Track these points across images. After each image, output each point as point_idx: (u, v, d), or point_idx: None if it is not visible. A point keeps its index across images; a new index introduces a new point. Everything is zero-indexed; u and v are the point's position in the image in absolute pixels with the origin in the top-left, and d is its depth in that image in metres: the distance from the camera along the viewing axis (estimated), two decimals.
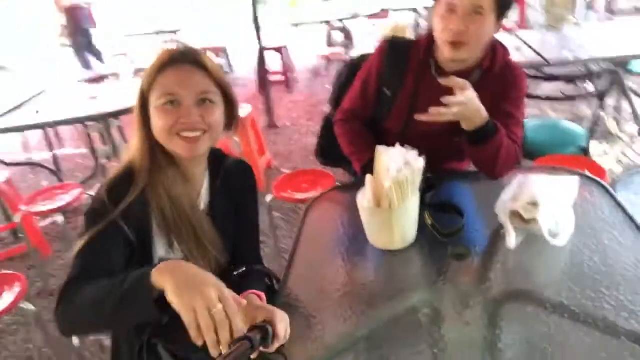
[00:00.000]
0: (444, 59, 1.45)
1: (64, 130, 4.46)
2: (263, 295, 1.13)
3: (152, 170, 1.09)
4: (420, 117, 1.29)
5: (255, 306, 1.02)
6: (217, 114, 1.09)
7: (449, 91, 1.35)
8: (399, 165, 1.22)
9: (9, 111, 2.93)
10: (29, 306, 1.81)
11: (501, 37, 1.62)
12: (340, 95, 1.76)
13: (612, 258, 1.15)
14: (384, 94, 1.57)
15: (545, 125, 2.61)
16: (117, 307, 0.85)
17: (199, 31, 7.42)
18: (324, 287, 1.20)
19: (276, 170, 3.67)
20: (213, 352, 0.76)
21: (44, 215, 2.72)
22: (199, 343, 0.76)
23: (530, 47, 2.63)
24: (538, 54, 2.46)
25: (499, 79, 1.47)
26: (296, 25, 6.06)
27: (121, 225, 1.03)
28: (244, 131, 3.27)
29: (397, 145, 1.28)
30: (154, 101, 1.06)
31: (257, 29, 4.28)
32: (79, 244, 1.02)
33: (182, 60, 1.07)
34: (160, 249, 1.12)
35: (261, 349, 0.88)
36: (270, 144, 4.23)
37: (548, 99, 2.48)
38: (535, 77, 2.36)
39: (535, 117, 3.68)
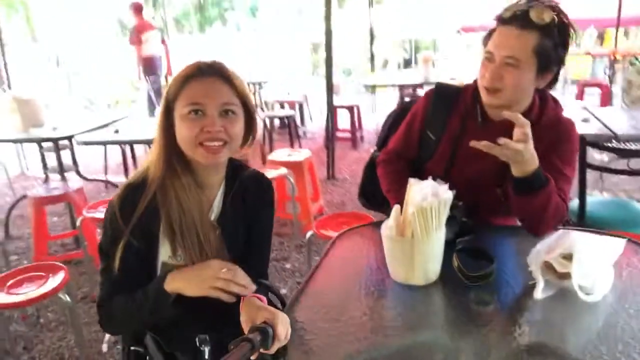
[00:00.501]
0: (486, 104, 1.45)
1: (139, 155, 4.81)
2: (264, 298, 1.12)
3: (166, 176, 1.13)
4: (475, 144, 1.25)
5: (256, 307, 1.01)
6: (238, 126, 1.13)
7: (492, 139, 1.30)
8: (425, 194, 1.20)
9: (94, 129, 3.24)
10: (66, 297, 1.90)
11: (572, 109, 1.59)
12: (386, 138, 1.78)
13: None
14: (428, 137, 1.57)
15: (610, 202, 2.46)
16: (147, 317, 1.12)
17: (282, 84, 7.88)
18: (331, 313, 1.15)
19: None
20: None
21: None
22: (232, 300, 1.08)
23: (598, 119, 2.54)
24: (605, 125, 2.36)
25: (548, 132, 1.42)
26: (370, 87, 6.26)
27: (130, 239, 1.10)
28: (300, 173, 3.36)
29: (430, 179, 1.27)
30: (179, 109, 1.09)
31: (329, 88, 4.49)
32: (101, 258, 1.15)
33: (208, 72, 1.11)
34: (164, 254, 1.16)
35: (261, 350, 0.88)
36: (326, 193, 4.29)
37: (614, 171, 2.35)
38: (604, 149, 2.25)
39: (595, 190, 3.48)
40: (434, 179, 1.26)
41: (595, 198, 2.47)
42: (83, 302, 2.77)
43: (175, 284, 1.08)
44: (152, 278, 1.14)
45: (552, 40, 1.31)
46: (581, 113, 2.80)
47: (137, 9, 6.30)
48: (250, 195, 1.26)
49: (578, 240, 1.18)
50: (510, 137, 1.29)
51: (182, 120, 1.10)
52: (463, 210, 1.39)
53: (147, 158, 1.18)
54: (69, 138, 3.17)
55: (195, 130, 1.08)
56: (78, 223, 2.69)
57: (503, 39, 1.33)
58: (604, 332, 1.03)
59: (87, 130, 3.14)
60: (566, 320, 1.09)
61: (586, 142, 2.04)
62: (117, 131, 3.12)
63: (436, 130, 1.55)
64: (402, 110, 1.80)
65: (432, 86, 1.66)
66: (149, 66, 6.41)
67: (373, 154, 1.86)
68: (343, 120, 6.05)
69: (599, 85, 6.14)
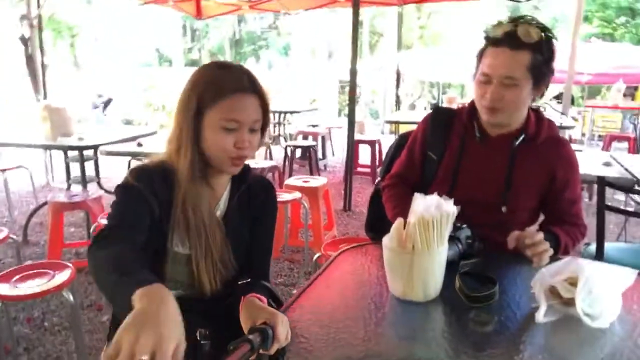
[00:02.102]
0: (485, 122, 1.50)
1: None
2: (264, 298, 1.11)
3: (186, 171, 1.14)
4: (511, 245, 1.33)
5: (256, 308, 1.01)
6: (258, 139, 1.18)
7: (492, 153, 1.48)
8: (428, 206, 1.19)
9: (119, 141, 3.33)
10: (69, 297, 1.91)
11: (595, 155, 1.67)
12: (389, 168, 1.80)
13: None
14: (430, 157, 1.60)
15: (629, 248, 2.37)
16: (108, 292, 0.93)
17: (307, 118, 8.02)
18: (326, 319, 1.13)
19: None
20: None
21: None
22: None
23: (620, 164, 2.49)
24: (627, 169, 2.31)
25: (547, 151, 1.49)
26: (393, 124, 6.31)
27: (147, 197, 1.11)
28: (315, 200, 3.36)
29: (435, 194, 1.26)
30: (215, 117, 1.10)
31: (351, 123, 4.59)
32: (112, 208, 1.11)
33: (250, 88, 1.12)
34: (176, 242, 1.17)
35: (260, 351, 0.87)
36: (342, 225, 4.27)
37: (632, 214, 2.28)
38: (623, 190, 2.20)
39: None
40: (440, 195, 1.26)
41: (614, 244, 2.39)
42: (89, 309, 2.77)
43: (137, 304, 0.78)
44: (161, 262, 1.16)
45: (542, 55, 1.38)
46: (603, 156, 2.76)
47: None
48: (255, 198, 1.28)
49: (585, 266, 1.14)
50: (507, 151, 1.47)
51: (216, 130, 1.11)
52: (467, 232, 1.38)
53: (166, 149, 1.20)
54: (94, 147, 3.26)
55: (229, 144, 1.11)
56: (92, 229, 2.73)
57: (498, 61, 1.38)
58: (611, 356, 0.98)
59: (112, 142, 3.23)
60: (568, 346, 1.05)
61: (605, 182, 2.00)
62: (140, 144, 3.20)
63: (437, 151, 1.59)
64: (401, 139, 1.84)
65: None
66: None
67: (377, 184, 1.88)
68: (364, 157, 6.08)
69: (627, 139, 6.05)
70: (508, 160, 1.48)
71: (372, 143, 5.64)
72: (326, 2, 7.72)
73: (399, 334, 1.11)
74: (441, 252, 1.21)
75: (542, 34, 1.37)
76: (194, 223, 1.15)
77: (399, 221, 1.25)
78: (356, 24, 4.32)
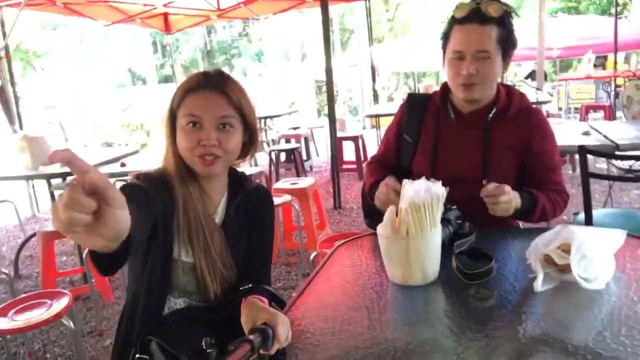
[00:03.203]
0: (459, 100, 1.54)
1: None
2: (265, 299, 1.12)
3: (177, 178, 1.18)
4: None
5: (257, 308, 1.02)
6: (234, 140, 1.17)
7: (467, 130, 1.54)
8: (418, 191, 1.21)
9: (102, 163, 3.30)
10: (70, 323, 1.89)
11: (573, 126, 1.72)
12: None
13: None
14: (405, 140, 1.65)
15: (617, 213, 2.42)
16: None
17: (287, 122, 8.01)
18: (329, 312, 1.14)
19: None
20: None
21: None
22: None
23: (598, 131, 2.54)
24: (606, 137, 2.36)
25: (521, 123, 1.53)
26: (374, 118, 6.34)
27: (153, 197, 1.11)
28: (305, 201, 3.36)
29: (423, 178, 1.28)
30: (180, 119, 1.15)
31: (332, 120, 4.61)
32: None
33: (208, 85, 1.15)
34: (180, 251, 1.18)
35: (261, 351, 0.87)
36: (334, 223, 4.28)
37: (616, 178, 2.32)
38: (604, 156, 2.24)
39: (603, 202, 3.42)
40: (427, 178, 1.27)
41: (602, 210, 2.43)
42: (89, 336, 2.74)
43: None
44: (167, 269, 1.16)
45: (506, 28, 1.44)
46: (581, 127, 2.81)
47: None
48: (252, 205, 1.30)
49: (577, 232, 1.17)
50: (481, 126, 1.52)
51: (181, 131, 1.15)
52: (457, 213, 1.41)
53: (163, 159, 1.23)
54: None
55: (192, 142, 1.13)
56: (85, 255, 2.70)
57: (469, 36, 1.43)
58: (607, 319, 1.00)
59: (95, 165, 3.19)
60: (568, 310, 1.07)
61: (587, 151, 2.04)
62: (123, 164, 3.17)
63: (412, 133, 1.64)
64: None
65: None
66: None
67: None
68: (348, 154, 6.10)
69: (602, 107, 6.16)
70: (483, 134, 1.52)
71: (355, 139, 5.67)
72: (294, 4, 7.74)
73: (402, 319, 1.12)
74: (435, 234, 1.22)
75: (504, 8, 1.43)
76: (194, 228, 1.17)
77: (391, 209, 1.26)
78: (326, 21, 4.34)
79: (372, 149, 6.60)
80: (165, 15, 7.52)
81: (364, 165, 6.02)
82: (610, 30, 6.62)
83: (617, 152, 2.23)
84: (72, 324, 1.90)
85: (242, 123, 1.19)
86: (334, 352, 0.98)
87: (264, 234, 1.33)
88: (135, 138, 10.05)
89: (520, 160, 1.54)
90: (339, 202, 4.70)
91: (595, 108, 6.34)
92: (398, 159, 1.68)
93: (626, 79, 4.91)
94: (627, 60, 9.65)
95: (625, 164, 2.33)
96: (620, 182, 2.83)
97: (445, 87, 1.59)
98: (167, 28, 7.81)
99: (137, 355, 1.18)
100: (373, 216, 1.90)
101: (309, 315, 1.14)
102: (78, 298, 3.11)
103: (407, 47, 10.57)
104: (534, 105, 1.63)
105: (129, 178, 1.24)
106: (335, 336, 1.04)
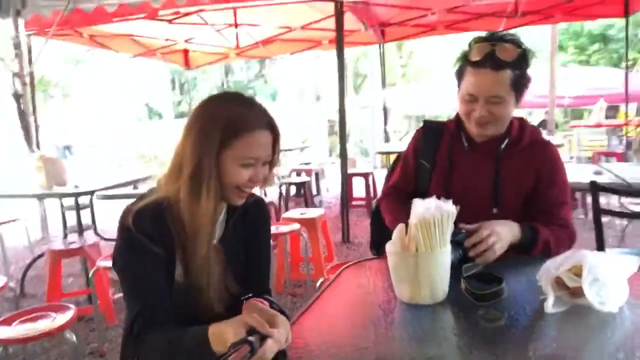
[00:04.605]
0: (471, 132, 1.56)
1: None
2: (266, 302, 1.12)
3: (184, 199, 1.12)
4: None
5: (257, 309, 1.00)
6: (267, 172, 1.19)
7: (479, 159, 1.55)
8: (428, 208, 1.21)
9: (114, 186, 3.35)
10: (72, 337, 1.87)
11: (585, 165, 1.71)
12: (388, 181, 1.85)
13: None
14: (423, 165, 1.66)
15: (628, 252, 2.38)
16: None
17: (299, 157, 8.08)
18: (335, 328, 1.14)
19: None
20: None
21: None
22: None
23: (610, 171, 2.53)
24: (617, 175, 2.35)
25: (533, 154, 1.54)
26: (384, 155, 6.39)
27: (154, 248, 1.10)
28: (314, 231, 3.36)
29: (434, 197, 1.28)
30: (237, 152, 1.09)
31: (343, 157, 4.68)
32: (125, 280, 1.12)
33: (268, 125, 1.15)
34: (179, 273, 1.16)
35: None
36: (341, 256, 4.25)
37: (630, 215, 2.30)
38: (616, 192, 2.23)
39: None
40: (438, 197, 1.28)
41: (615, 249, 2.40)
42: (91, 356, 2.70)
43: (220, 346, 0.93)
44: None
45: (521, 69, 1.43)
46: (593, 168, 2.81)
47: None
48: (250, 219, 1.29)
49: (588, 255, 1.16)
50: (493, 155, 1.53)
51: (235, 164, 1.10)
52: (465, 236, 1.39)
53: (160, 179, 1.19)
54: (90, 193, 3.26)
55: (245, 178, 1.12)
56: (91, 274, 2.70)
57: (482, 82, 1.42)
58: (620, 342, 0.98)
59: (107, 187, 3.24)
60: (580, 333, 1.05)
61: (599, 187, 2.03)
62: (136, 187, 3.21)
63: (428, 159, 1.65)
64: (398, 157, 1.90)
65: None
66: None
67: (377, 201, 1.90)
68: (358, 190, 6.12)
69: (614, 154, 6.16)
70: (494, 164, 1.53)
71: (365, 175, 5.70)
72: (310, 46, 7.99)
73: (409, 336, 1.10)
74: (445, 253, 1.22)
75: (519, 50, 1.42)
76: (192, 252, 1.14)
77: (400, 226, 1.26)
78: (342, 60, 4.46)
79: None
80: (186, 52, 7.79)
81: (373, 202, 6.03)
82: (620, 81, 6.69)
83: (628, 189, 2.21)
84: (75, 338, 1.88)
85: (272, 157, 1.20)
86: None
87: (261, 243, 1.32)
88: (149, 169, 10.19)
89: (530, 190, 1.53)
90: (348, 235, 4.68)
91: (608, 155, 6.33)
92: (415, 183, 1.68)
93: (637, 127, 4.94)
94: (638, 112, 9.70)
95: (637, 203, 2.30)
96: (633, 222, 2.79)
97: (459, 116, 1.60)
98: (187, 63, 8.07)
99: None
100: (379, 248, 1.90)
101: (315, 328, 1.13)
102: (82, 319, 3.08)
103: (419, 91, 10.79)
104: (546, 139, 1.63)
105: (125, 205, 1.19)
106: (341, 349, 1.02)
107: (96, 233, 3.88)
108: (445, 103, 9.46)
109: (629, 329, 1.03)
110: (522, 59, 1.43)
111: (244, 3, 4.82)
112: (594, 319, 1.07)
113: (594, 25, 14.17)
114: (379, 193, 5.91)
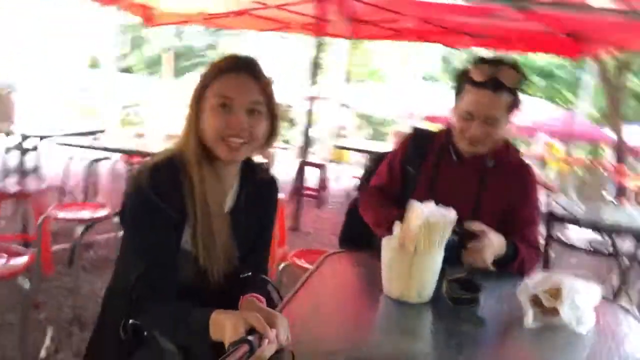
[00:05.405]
0: (461, 147, 1.61)
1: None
2: (263, 299, 1.13)
3: (192, 162, 1.13)
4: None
5: (255, 308, 1.02)
6: (262, 126, 1.15)
7: (465, 173, 1.61)
8: (432, 211, 1.28)
9: (75, 134, 3.17)
10: (25, 282, 1.77)
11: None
12: (368, 181, 1.86)
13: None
14: (408, 172, 1.70)
15: None
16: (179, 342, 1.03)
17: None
18: (319, 320, 1.16)
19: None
20: None
21: (67, 221, 2.77)
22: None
23: (559, 204, 2.73)
24: (565, 209, 2.55)
25: (512, 173, 1.64)
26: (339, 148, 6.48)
27: (168, 210, 1.09)
28: None
29: (432, 203, 1.35)
30: (210, 99, 1.11)
31: (305, 145, 4.67)
32: (132, 237, 1.13)
33: (243, 68, 1.13)
34: (185, 239, 1.15)
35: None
36: (291, 245, 4.27)
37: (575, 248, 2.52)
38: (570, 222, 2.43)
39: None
40: (437, 203, 1.35)
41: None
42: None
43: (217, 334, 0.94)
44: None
45: (517, 93, 1.52)
46: (543, 198, 3.02)
47: None
48: (262, 194, 1.29)
49: (565, 278, 1.28)
50: (478, 171, 1.60)
51: (210, 111, 1.11)
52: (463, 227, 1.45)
53: (177, 140, 1.18)
54: (41, 138, 3.06)
55: (221, 124, 1.10)
56: (40, 221, 2.55)
57: (481, 102, 1.50)
58: (590, 358, 1.10)
59: (69, 134, 3.06)
60: (555, 347, 1.16)
61: (555, 217, 2.20)
62: (96, 139, 3.06)
63: (415, 166, 1.69)
64: (378, 157, 1.92)
65: None
66: None
67: (354, 198, 1.94)
68: (310, 181, 6.16)
69: (548, 188, 6.64)
70: (479, 180, 1.62)
71: (320, 166, 5.75)
72: (279, 27, 7.88)
73: (390, 328, 1.18)
74: (439, 256, 1.29)
75: (519, 75, 1.50)
76: (200, 217, 1.13)
77: (399, 224, 1.32)
78: (318, 47, 4.45)
79: (333, 183, 6.72)
80: (147, 7, 7.35)
81: (324, 193, 6.12)
82: (557, 117, 7.11)
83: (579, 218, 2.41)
84: (27, 285, 1.78)
85: (269, 112, 1.17)
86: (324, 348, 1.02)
87: (267, 222, 1.32)
88: (88, 124, 9.64)
89: (506, 209, 1.62)
90: (298, 224, 4.71)
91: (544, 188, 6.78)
92: (401, 189, 1.71)
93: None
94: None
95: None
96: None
97: (450, 129, 1.66)
98: (147, 20, 7.64)
99: (130, 321, 1.12)
100: (349, 243, 1.93)
101: (300, 317, 1.15)
102: None
103: (373, 92, 11.01)
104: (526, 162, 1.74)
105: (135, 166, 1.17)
106: (328, 342, 1.06)
107: (39, 178, 3.65)
108: (395, 107, 9.76)
109: (596, 348, 1.15)
110: (520, 84, 1.52)
111: None
112: (565, 336, 1.18)
113: (539, 59, 14.96)
114: (331, 186, 5.94)
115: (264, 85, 1.15)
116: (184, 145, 1.15)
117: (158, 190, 1.09)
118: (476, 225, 1.41)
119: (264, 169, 1.32)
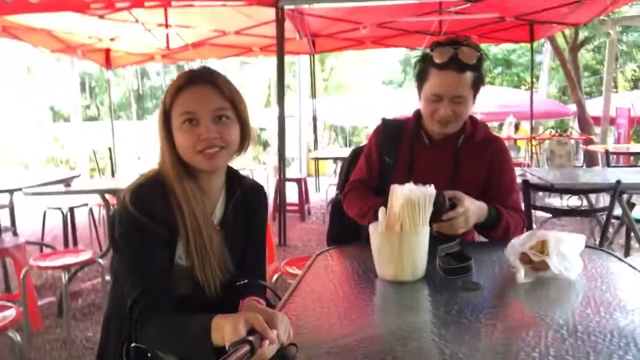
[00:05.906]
0: (431, 130, 1.65)
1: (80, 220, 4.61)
2: (263, 301, 1.14)
3: (174, 179, 1.14)
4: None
5: (255, 309, 1.02)
6: (233, 131, 1.16)
7: (439, 154, 1.65)
8: (411, 189, 1.30)
9: (46, 183, 3.12)
10: (16, 336, 1.73)
11: None
12: (347, 180, 1.88)
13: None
14: (385, 161, 1.73)
15: None
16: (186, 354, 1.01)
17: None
18: (320, 311, 1.16)
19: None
20: None
21: (51, 269, 2.71)
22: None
23: (533, 174, 2.81)
24: (540, 178, 2.62)
25: (482, 147, 1.68)
26: (315, 159, 6.51)
27: (157, 230, 1.10)
28: None
29: (411, 183, 1.37)
30: (175, 120, 1.12)
31: (282, 162, 4.73)
32: (125, 262, 1.12)
33: (198, 80, 1.13)
34: (179, 254, 1.16)
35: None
36: (281, 260, 4.25)
37: (557, 211, 2.58)
38: (545, 190, 2.49)
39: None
40: (415, 183, 1.37)
41: None
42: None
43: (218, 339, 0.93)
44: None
45: (479, 70, 1.56)
46: (517, 171, 3.09)
47: None
48: (249, 202, 1.29)
49: (549, 232, 1.31)
50: (451, 151, 1.64)
51: (178, 131, 1.12)
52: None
53: (159, 160, 1.19)
54: (12, 192, 3.01)
55: (192, 139, 1.11)
56: (23, 274, 2.49)
57: (447, 82, 1.53)
58: (585, 301, 1.13)
59: (37, 184, 3.01)
60: (549, 296, 1.19)
61: (531, 185, 2.26)
62: (68, 185, 3.02)
63: (391, 154, 1.72)
64: (354, 154, 1.96)
65: None
66: None
67: (336, 197, 1.96)
68: (290, 196, 6.16)
69: (521, 164, 6.79)
70: (453, 159, 1.66)
71: (298, 181, 5.77)
72: (240, 52, 7.97)
73: (392, 307, 1.19)
74: (425, 232, 1.31)
75: (478, 54, 1.55)
76: (191, 232, 1.14)
77: (382, 210, 1.34)
78: (282, 67, 4.52)
79: (313, 195, 6.76)
80: (108, 50, 7.39)
81: (306, 207, 6.13)
82: (523, 100, 7.38)
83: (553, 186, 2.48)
84: (19, 338, 1.73)
85: (237, 116, 1.18)
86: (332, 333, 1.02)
87: (258, 229, 1.33)
88: (61, 173, 9.50)
89: (484, 183, 1.67)
90: (285, 239, 4.70)
91: (519, 165, 6.95)
92: (381, 179, 1.74)
93: (547, 141, 5.53)
94: (532, 129, 10.76)
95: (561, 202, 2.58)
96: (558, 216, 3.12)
97: (418, 114, 1.70)
98: (108, 63, 7.66)
99: (132, 344, 1.11)
100: (337, 241, 1.94)
101: (302, 309, 1.16)
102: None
103: (342, 104, 11.18)
104: (496, 134, 1.79)
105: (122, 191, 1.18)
106: (331, 332, 1.05)
107: (15, 234, 3.57)
108: (365, 116, 9.96)
109: (588, 291, 1.18)
110: (480, 61, 1.56)
111: (187, 2, 4.70)
112: (557, 285, 1.22)
113: (497, 50, 15.48)
114: (311, 199, 5.97)
115: (225, 91, 1.15)
116: (163, 164, 1.16)
117: (145, 210, 1.09)
118: (453, 193, 1.43)
119: (248, 179, 1.33)
